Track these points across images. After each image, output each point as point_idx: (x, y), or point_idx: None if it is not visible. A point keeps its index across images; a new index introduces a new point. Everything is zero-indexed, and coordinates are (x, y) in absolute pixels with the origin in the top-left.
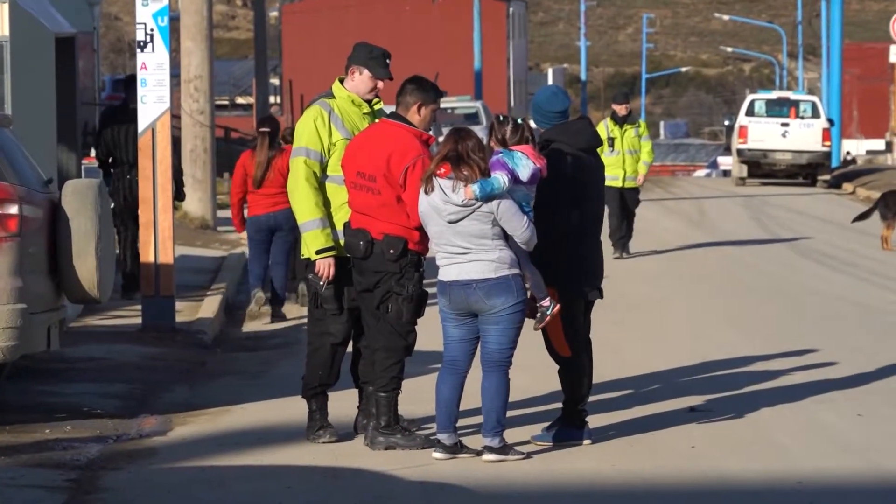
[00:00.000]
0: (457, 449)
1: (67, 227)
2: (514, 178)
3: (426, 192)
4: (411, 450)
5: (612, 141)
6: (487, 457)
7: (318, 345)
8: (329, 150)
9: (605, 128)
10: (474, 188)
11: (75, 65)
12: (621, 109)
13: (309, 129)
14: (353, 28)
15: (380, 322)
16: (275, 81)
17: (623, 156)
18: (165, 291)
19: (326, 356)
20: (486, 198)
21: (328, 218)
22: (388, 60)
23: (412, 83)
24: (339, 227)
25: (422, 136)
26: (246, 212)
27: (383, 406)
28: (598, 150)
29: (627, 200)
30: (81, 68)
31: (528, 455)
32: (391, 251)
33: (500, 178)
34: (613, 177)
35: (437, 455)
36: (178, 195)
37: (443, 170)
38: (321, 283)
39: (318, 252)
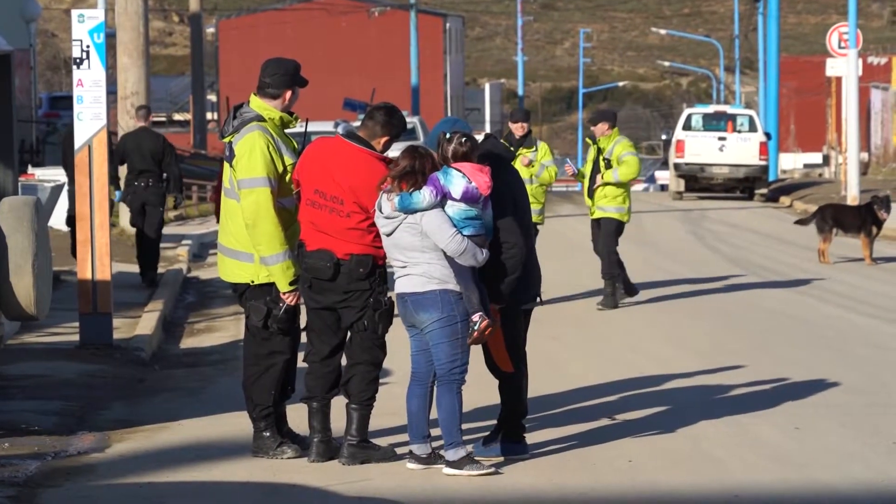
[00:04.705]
0: (431, 459)
1: (4, 245)
2: (447, 195)
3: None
4: (385, 462)
5: None
6: (444, 470)
7: (267, 364)
8: (282, 177)
9: None
10: (396, 200)
11: (11, 82)
12: (519, 129)
13: (266, 159)
14: (290, 44)
15: (357, 337)
16: (212, 98)
17: None
18: (103, 308)
19: (279, 374)
20: (406, 210)
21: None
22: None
23: (389, 116)
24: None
25: (386, 160)
26: None
27: (359, 420)
28: None
29: None
30: (18, 85)
31: (497, 470)
32: (361, 270)
33: (420, 193)
34: None
35: (412, 466)
36: (175, 202)
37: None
38: (281, 306)
39: (291, 283)
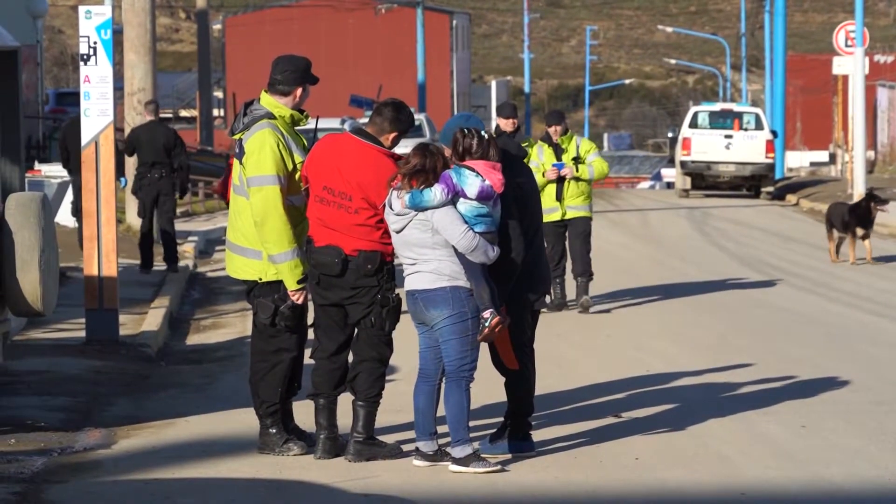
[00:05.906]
0: (437, 456)
1: (11, 241)
2: (459, 194)
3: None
4: (392, 459)
5: None
6: (451, 467)
7: (274, 361)
8: (292, 175)
9: None
10: (406, 197)
11: (18, 78)
12: (507, 124)
13: (276, 157)
14: (297, 41)
15: (364, 334)
16: (218, 94)
17: None
18: (109, 304)
19: (286, 371)
20: (416, 208)
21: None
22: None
23: (397, 112)
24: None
25: (395, 156)
26: None
27: (365, 417)
28: None
29: None
30: (25, 81)
31: (503, 467)
32: (369, 266)
33: (431, 191)
34: None
35: (418, 463)
36: (182, 191)
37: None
38: (289, 303)
39: (299, 281)
